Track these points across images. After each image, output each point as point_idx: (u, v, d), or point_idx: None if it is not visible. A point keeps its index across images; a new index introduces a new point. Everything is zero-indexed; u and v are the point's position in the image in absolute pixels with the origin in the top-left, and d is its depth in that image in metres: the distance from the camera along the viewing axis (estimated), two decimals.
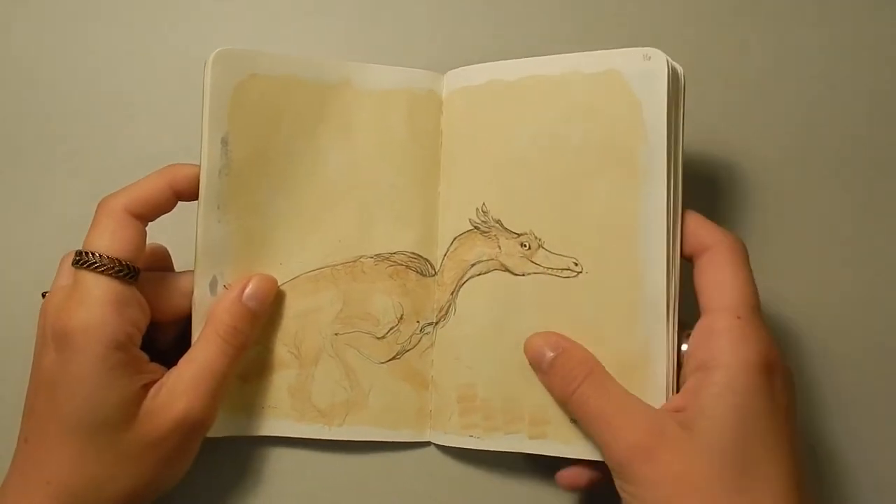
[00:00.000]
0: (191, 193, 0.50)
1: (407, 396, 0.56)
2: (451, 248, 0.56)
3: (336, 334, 0.56)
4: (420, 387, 0.56)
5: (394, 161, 0.56)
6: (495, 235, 0.54)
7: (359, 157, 0.56)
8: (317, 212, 0.56)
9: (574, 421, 0.52)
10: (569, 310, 0.52)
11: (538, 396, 0.52)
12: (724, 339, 0.46)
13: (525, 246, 0.53)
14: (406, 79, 0.57)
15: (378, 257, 0.56)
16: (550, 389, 0.51)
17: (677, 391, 0.50)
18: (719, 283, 0.48)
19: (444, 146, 0.56)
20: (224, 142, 0.51)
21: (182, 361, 0.50)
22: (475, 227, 0.55)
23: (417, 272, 0.56)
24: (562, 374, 0.49)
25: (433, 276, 0.56)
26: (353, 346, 0.56)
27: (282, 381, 0.56)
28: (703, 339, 0.47)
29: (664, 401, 0.49)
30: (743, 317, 0.47)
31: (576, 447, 0.51)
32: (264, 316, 0.55)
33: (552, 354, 0.50)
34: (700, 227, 0.50)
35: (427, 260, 0.56)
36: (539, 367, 0.51)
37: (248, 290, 0.54)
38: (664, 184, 0.50)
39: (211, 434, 0.52)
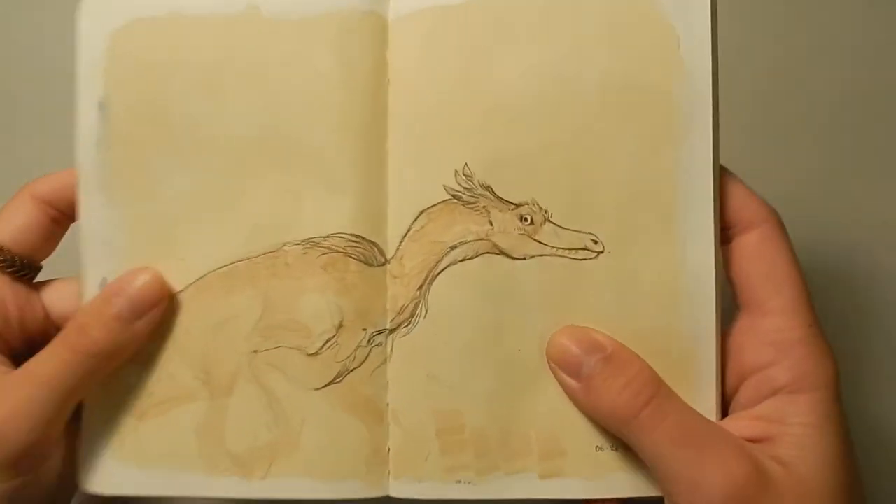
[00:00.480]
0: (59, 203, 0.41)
1: (354, 434, 0.40)
2: (416, 227, 0.40)
3: (255, 352, 0.39)
4: (372, 420, 0.40)
5: (322, 112, 0.40)
6: (484, 207, 0.40)
7: (275, 110, 0.40)
8: (225, 188, 0.40)
9: (601, 448, 0.39)
10: (586, 302, 0.39)
11: (549, 419, 0.39)
12: (807, 355, 0.38)
13: (526, 220, 0.40)
14: None
15: (307, 244, 0.40)
16: (593, 406, 0.38)
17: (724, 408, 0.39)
18: (776, 276, 0.39)
19: (394, 87, 0.41)
20: (102, 106, 0.40)
21: (13, 374, 0.38)
22: (454, 197, 0.40)
23: (360, 261, 0.40)
24: (617, 386, 0.37)
25: (383, 264, 0.40)
26: (277, 368, 0.39)
27: (186, 419, 0.40)
28: (763, 347, 0.38)
29: (716, 419, 0.39)
30: (813, 324, 0.38)
31: (608, 483, 0.39)
32: (145, 328, 0.38)
33: (598, 357, 0.37)
34: (746, 198, 0.40)
35: (373, 243, 0.40)
36: (574, 373, 0.38)
37: (116, 288, 0.39)
38: (710, 135, 0.39)
39: (94, 490, 0.39)
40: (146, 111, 0.39)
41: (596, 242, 0.39)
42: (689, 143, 0.39)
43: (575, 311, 0.40)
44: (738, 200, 0.40)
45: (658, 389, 0.37)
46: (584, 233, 0.39)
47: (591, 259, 0.39)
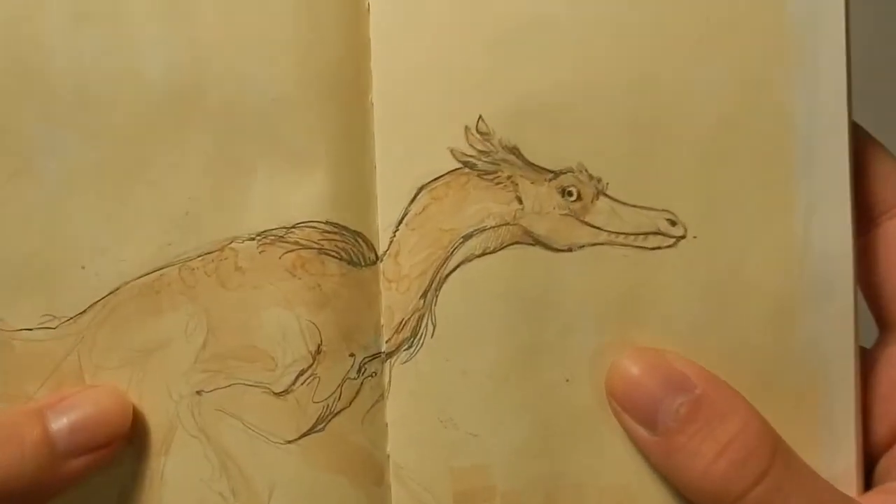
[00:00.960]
0: None
1: (344, 501, 0.28)
2: (415, 209, 0.28)
3: (198, 393, 0.28)
4: (367, 479, 0.29)
5: (275, 50, 0.28)
6: (510, 178, 0.28)
7: (203, 48, 0.28)
8: (136, 161, 0.28)
9: None
10: (660, 310, 0.27)
11: (616, 476, 0.28)
12: None
13: (570, 194, 0.28)
14: None
15: (263, 238, 0.28)
16: (676, 474, 0.26)
17: None
18: None
19: (376, 16, 0.28)
20: None
21: None
22: (466, 165, 0.28)
23: (341, 259, 0.28)
24: (712, 450, 0.25)
25: (373, 263, 0.28)
26: (231, 414, 0.28)
27: (107, 490, 0.29)
28: None
29: (855, 489, 0.28)
30: None
31: None
32: (80, 471, 0.27)
33: (682, 402, 0.25)
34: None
35: (358, 234, 0.28)
36: (647, 421, 0.27)
37: (64, 419, 0.27)
38: (841, 60, 0.26)
39: None
40: (4, 71, 0.28)
41: (674, 223, 0.27)
42: (810, 71, 0.26)
43: (644, 322, 0.28)
44: (885, 170, 0.27)
45: (773, 456, 0.25)
46: (655, 210, 0.27)
47: (666, 247, 0.27)
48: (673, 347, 0.28)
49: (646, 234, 0.27)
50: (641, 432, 0.26)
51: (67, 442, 0.26)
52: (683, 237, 0.27)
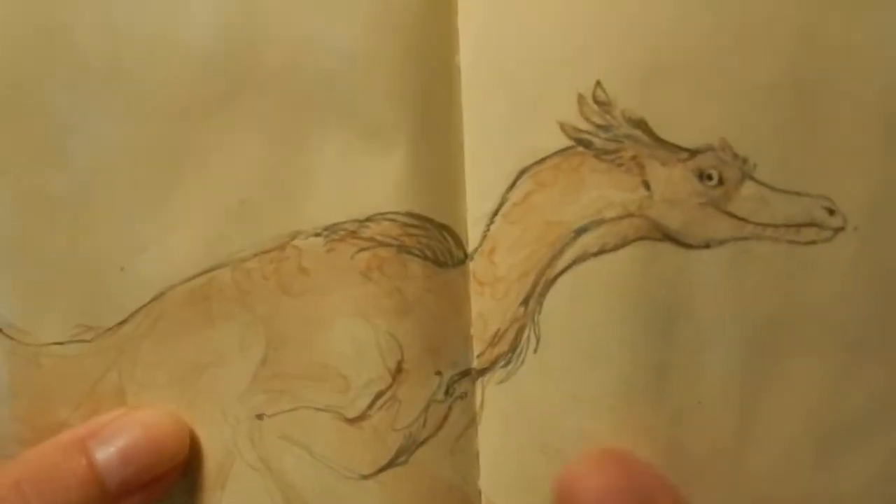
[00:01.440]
0: None
1: None
2: (515, 197, 0.23)
3: (259, 417, 0.23)
4: None
5: (338, 5, 0.22)
6: (634, 159, 0.22)
7: (249, 5, 0.23)
8: (182, 144, 0.24)
9: None
10: (813, 320, 0.22)
11: None
12: None
13: (710, 178, 0.22)
14: None
15: (331, 233, 0.23)
16: None
17: None
18: None
19: None
20: None
21: None
22: (579, 143, 0.22)
23: (425, 258, 0.23)
24: None
25: (462, 262, 0.23)
26: (297, 443, 0.23)
27: None
28: None
29: None
30: None
31: None
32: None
33: None
34: None
35: (444, 228, 0.23)
36: None
37: (111, 448, 0.23)
38: None
39: None
40: (26, 31, 0.23)
41: (832, 212, 0.21)
42: None
43: (796, 334, 0.22)
44: None
45: None
46: (810, 195, 0.22)
47: (822, 242, 0.22)
48: (832, 368, 0.22)
49: (799, 225, 0.22)
50: None
51: (118, 476, 0.22)
52: (843, 229, 0.22)
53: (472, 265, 0.24)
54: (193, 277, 0.23)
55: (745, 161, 0.22)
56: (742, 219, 0.22)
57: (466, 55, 0.23)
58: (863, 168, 0.22)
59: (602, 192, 0.23)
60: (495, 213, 0.23)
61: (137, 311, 0.23)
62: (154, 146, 0.23)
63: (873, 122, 0.21)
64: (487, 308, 0.24)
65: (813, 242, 0.22)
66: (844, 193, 0.22)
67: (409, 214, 0.23)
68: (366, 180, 0.23)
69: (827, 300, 0.22)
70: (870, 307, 0.22)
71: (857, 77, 0.21)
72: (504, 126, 0.23)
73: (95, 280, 0.23)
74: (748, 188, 0.22)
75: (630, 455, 0.22)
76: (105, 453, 0.22)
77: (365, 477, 0.23)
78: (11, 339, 0.23)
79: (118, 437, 0.22)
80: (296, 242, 0.23)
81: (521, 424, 0.23)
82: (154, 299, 0.23)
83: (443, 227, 0.24)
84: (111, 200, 0.23)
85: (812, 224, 0.22)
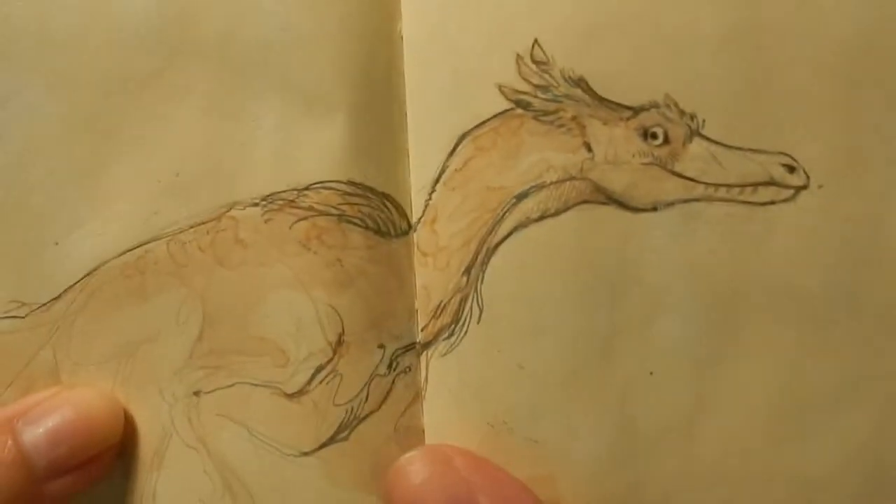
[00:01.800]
0: None
1: None
2: (455, 163, 0.21)
3: (196, 394, 0.22)
4: None
5: None
6: (575, 119, 0.20)
7: None
8: (117, 116, 0.22)
9: None
10: (773, 285, 0.20)
11: (710, 482, 0.20)
12: None
13: (655, 136, 0.20)
14: None
15: (269, 202, 0.21)
16: None
17: None
18: None
19: None
20: None
21: None
22: (518, 105, 0.20)
23: (367, 228, 0.21)
24: None
25: (405, 233, 0.21)
26: (235, 420, 0.21)
27: None
28: None
29: None
30: None
31: None
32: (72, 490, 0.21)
33: None
34: None
35: (386, 197, 0.21)
36: None
37: (39, 429, 0.21)
38: None
39: None
40: None
41: (792, 170, 0.19)
42: None
43: (754, 300, 0.20)
44: None
45: None
46: (767, 153, 0.19)
47: (782, 201, 0.19)
48: (794, 339, 0.20)
49: (755, 184, 0.20)
50: None
51: (46, 458, 0.20)
52: (805, 187, 0.19)
53: (415, 236, 0.22)
54: (127, 251, 0.21)
55: (692, 117, 0.20)
56: (691, 179, 0.20)
57: (409, 23, 0.21)
58: (826, 121, 0.20)
59: (542, 154, 0.21)
60: (436, 181, 0.21)
61: (71, 287, 0.22)
62: (88, 119, 0.22)
63: (834, 72, 0.19)
64: (431, 279, 0.22)
65: (772, 203, 0.20)
66: (806, 149, 0.20)
67: (350, 183, 0.21)
68: (305, 149, 0.21)
69: (789, 266, 0.20)
70: (837, 273, 0.20)
71: (810, 28, 0.19)
72: (446, 93, 0.21)
73: (29, 255, 0.22)
74: (697, 146, 0.20)
75: (461, 452, 0.21)
76: (32, 434, 0.20)
77: (305, 454, 0.22)
78: None
79: (47, 417, 0.20)
80: (232, 213, 0.22)
81: (467, 398, 0.21)
82: (88, 274, 0.22)
83: (385, 197, 0.22)
84: (45, 174, 0.22)
85: (770, 183, 0.20)
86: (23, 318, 0.22)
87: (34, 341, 0.22)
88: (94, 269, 0.22)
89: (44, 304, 0.22)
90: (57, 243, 0.22)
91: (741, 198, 0.20)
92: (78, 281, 0.22)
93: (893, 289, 0.20)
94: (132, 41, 0.21)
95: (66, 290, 0.22)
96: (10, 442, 0.20)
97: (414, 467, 0.20)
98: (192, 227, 0.22)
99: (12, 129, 0.22)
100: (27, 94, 0.21)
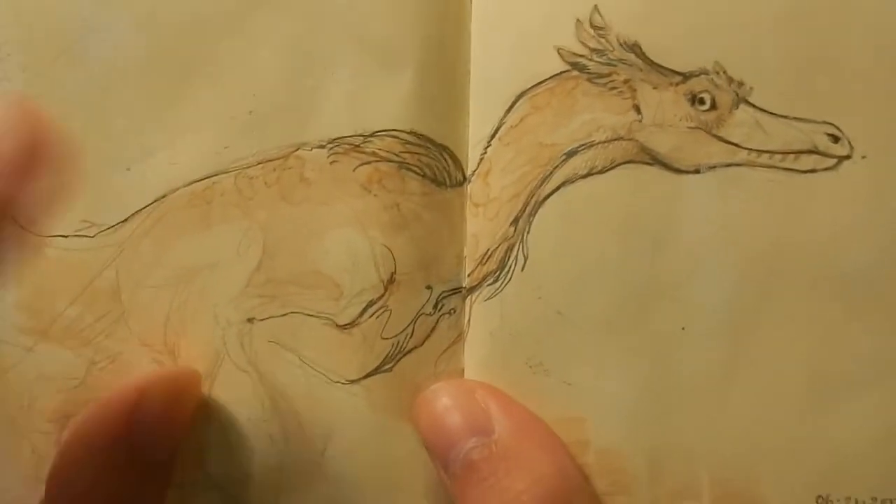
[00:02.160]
0: None
1: (414, 454, 0.21)
2: (511, 119, 0.21)
3: (250, 320, 0.22)
4: None
5: None
6: (627, 83, 0.20)
7: None
8: (196, 53, 0.22)
9: (827, 500, 0.19)
10: (813, 253, 0.19)
11: (734, 444, 0.20)
12: None
13: (702, 102, 0.20)
14: None
15: (336, 146, 0.21)
16: None
17: None
18: None
19: None
20: None
21: None
22: (574, 67, 0.20)
23: (425, 176, 0.21)
24: (498, 499, 0.20)
25: (461, 184, 0.21)
26: (286, 346, 0.21)
27: None
28: None
29: None
30: None
31: None
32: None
33: (475, 446, 0.20)
34: None
35: (445, 149, 0.21)
36: (440, 460, 0.21)
37: None
38: None
39: None
40: None
41: (837, 140, 0.19)
42: None
43: (793, 266, 0.20)
44: None
45: None
46: (812, 122, 0.19)
47: (824, 170, 0.19)
48: (833, 307, 0.20)
49: (798, 152, 0.20)
50: (441, 472, 0.20)
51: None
52: (848, 157, 0.20)
53: (469, 187, 0.22)
54: (196, 181, 0.21)
55: (740, 84, 0.20)
56: (735, 144, 0.20)
57: None
58: (873, 95, 0.20)
59: (593, 115, 0.21)
60: (492, 136, 0.22)
61: (139, 211, 0.22)
62: (169, 55, 0.22)
63: (884, 41, 0.19)
64: (480, 228, 0.22)
65: (813, 171, 0.20)
66: (852, 119, 0.20)
67: (413, 133, 0.22)
68: (373, 99, 0.22)
69: (828, 235, 0.20)
70: (879, 247, 0.20)
71: (870, 8, 0.19)
72: (509, 54, 0.22)
73: (101, 178, 0.22)
74: (742, 112, 0.20)
75: (482, 385, 0.21)
76: None
77: (351, 381, 0.22)
78: (22, 227, 0.21)
79: None
80: (299, 153, 0.22)
81: (506, 339, 0.21)
82: (157, 200, 0.22)
83: (443, 148, 0.22)
84: (123, 102, 0.22)
85: (813, 151, 0.20)
86: (91, 237, 0.22)
87: (100, 260, 0.22)
88: (163, 196, 0.22)
89: (112, 226, 0.22)
90: (129, 168, 0.22)
91: (783, 165, 0.20)
92: (146, 206, 0.22)
93: None
94: None
95: (133, 214, 0.22)
96: None
97: (438, 395, 0.21)
98: (259, 164, 0.22)
99: (97, 56, 0.22)
100: (114, 25, 0.22)
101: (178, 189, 0.22)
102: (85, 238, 0.22)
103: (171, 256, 0.22)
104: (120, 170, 0.22)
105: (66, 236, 0.22)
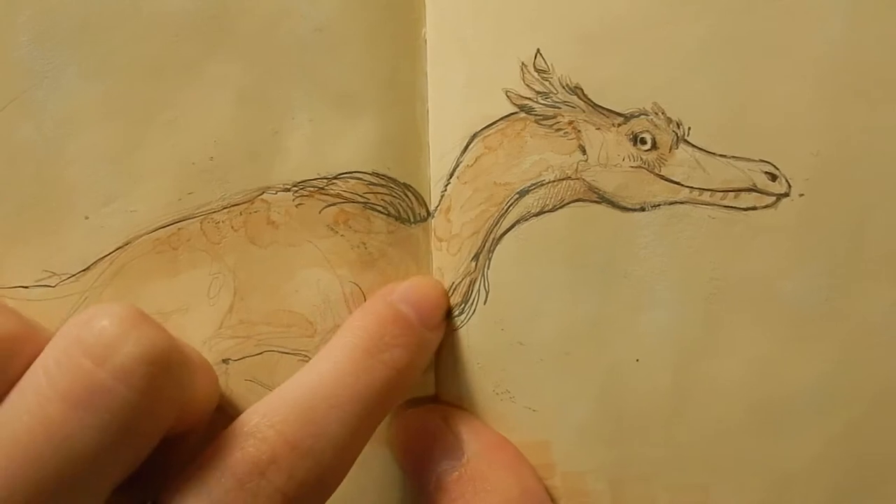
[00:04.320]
0: None
1: (391, 481, 0.18)
2: (467, 159, 0.18)
3: (225, 361, 0.19)
4: None
5: None
6: (571, 124, 0.18)
7: None
8: (154, 100, 0.18)
9: None
10: (754, 287, 0.18)
11: (692, 466, 0.18)
12: None
13: (644, 142, 0.18)
14: None
15: (301, 189, 0.18)
16: None
17: None
18: None
19: None
20: None
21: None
22: (522, 109, 0.18)
23: (389, 215, 0.18)
24: None
25: (424, 219, 0.18)
26: (263, 384, 0.18)
27: None
28: None
29: None
30: None
31: None
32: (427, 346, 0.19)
33: (447, 468, 0.18)
34: None
35: (407, 187, 0.18)
36: (419, 479, 0.19)
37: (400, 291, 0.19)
38: None
39: None
40: None
41: (774, 178, 0.18)
42: None
43: (735, 300, 0.18)
44: None
45: None
46: (750, 160, 0.18)
47: (763, 207, 0.18)
48: (772, 339, 0.18)
49: (737, 190, 0.18)
50: (418, 494, 0.19)
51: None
52: (786, 195, 0.18)
53: (432, 222, 0.19)
54: (160, 228, 0.18)
55: (678, 124, 0.18)
56: (677, 183, 0.18)
57: (432, 29, 0.18)
58: (808, 131, 0.18)
59: (542, 155, 0.18)
60: (451, 175, 0.19)
61: (101, 259, 0.18)
62: (123, 102, 0.18)
63: (816, 85, 0.18)
64: (445, 262, 0.19)
65: (753, 208, 0.18)
66: (789, 157, 0.18)
67: (375, 174, 0.19)
68: (335, 142, 0.19)
69: (769, 271, 0.19)
70: (816, 281, 0.18)
71: (797, 34, 0.17)
72: (462, 95, 0.19)
73: (61, 227, 0.18)
74: (682, 152, 0.18)
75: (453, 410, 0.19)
76: None
77: None
78: None
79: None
80: (264, 196, 0.18)
81: (474, 368, 0.19)
82: (119, 248, 0.18)
83: (406, 187, 0.19)
84: (78, 150, 0.18)
85: (752, 189, 0.18)
86: (53, 287, 0.18)
87: (63, 310, 0.18)
88: (125, 244, 0.18)
89: (73, 275, 0.18)
90: (87, 217, 0.18)
91: (724, 202, 0.18)
92: (108, 254, 0.18)
93: (868, 295, 0.18)
94: (171, 33, 0.18)
95: (95, 262, 0.18)
96: None
97: (413, 420, 0.19)
98: (224, 209, 0.19)
99: (47, 107, 0.18)
100: (64, 74, 0.18)
101: (141, 236, 0.18)
102: (47, 288, 0.18)
103: (137, 303, 0.18)
104: (78, 218, 0.18)
105: (26, 287, 0.18)
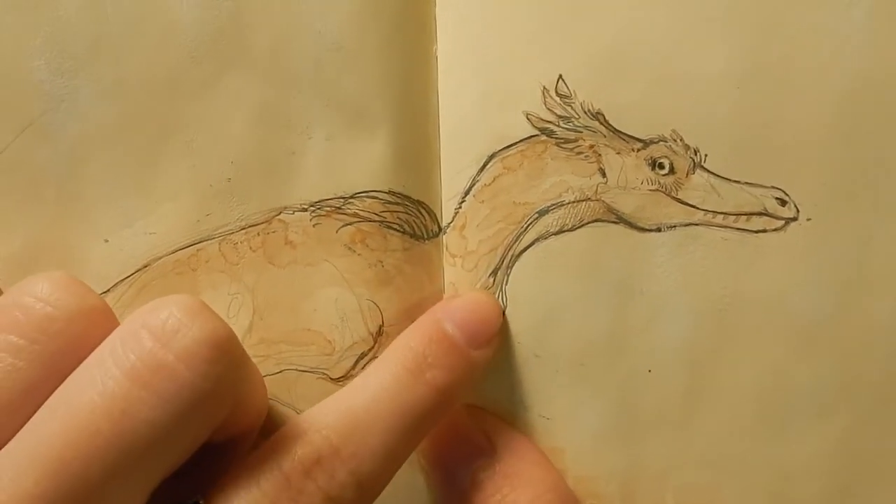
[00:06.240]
0: None
1: (410, 493, 0.17)
2: (484, 178, 0.16)
3: None
4: None
5: None
6: (592, 147, 0.16)
7: None
8: (169, 121, 0.16)
9: None
10: (762, 306, 0.16)
11: (698, 472, 0.17)
12: None
13: (661, 167, 0.16)
14: None
15: (318, 209, 0.16)
16: None
17: None
18: None
19: None
20: None
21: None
22: (543, 132, 0.16)
23: (404, 232, 0.16)
24: None
25: (435, 236, 0.16)
26: (283, 402, 0.17)
27: None
28: None
29: None
30: None
31: None
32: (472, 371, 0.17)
33: (478, 467, 0.17)
34: None
35: (421, 205, 0.16)
36: (447, 481, 0.17)
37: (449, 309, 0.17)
38: None
39: None
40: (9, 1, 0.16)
41: (784, 203, 0.16)
42: None
43: (745, 317, 0.17)
44: None
45: None
46: (762, 186, 0.16)
47: (773, 230, 0.16)
48: (780, 350, 0.17)
49: (749, 214, 0.16)
50: (446, 495, 0.17)
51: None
52: (795, 219, 0.16)
53: (444, 238, 0.17)
54: (179, 250, 0.16)
55: (695, 151, 0.16)
56: (692, 206, 0.17)
57: (444, 46, 0.16)
58: (818, 159, 0.16)
59: (562, 177, 0.17)
60: (467, 193, 0.17)
61: (120, 282, 0.16)
62: (139, 123, 0.16)
63: (830, 113, 0.16)
64: (458, 277, 0.17)
65: (763, 231, 0.16)
66: (798, 184, 0.17)
67: (391, 193, 0.17)
68: (350, 161, 0.17)
69: (777, 289, 0.17)
70: (821, 299, 0.17)
71: (813, 67, 0.15)
72: (476, 113, 0.17)
73: (80, 251, 0.16)
74: (698, 177, 0.16)
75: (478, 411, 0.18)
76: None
77: None
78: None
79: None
80: (282, 217, 0.17)
81: (491, 380, 0.18)
82: (138, 270, 0.16)
83: (420, 204, 0.17)
84: (96, 173, 0.16)
85: (763, 213, 0.16)
86: None
87: None
88: (145, 266, 0.16)
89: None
90: (107, 240, 0.16)
91: (736, 225, 0.17)
92: (128, 276, 0.16)
93: (869, 312, 0.17)
94: (185, 52, 0.16)
95: (115, 285, 0.17)
96: None
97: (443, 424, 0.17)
98: (242, 230, 0.17)
99: (64, 130, 0.16)
100: (80, 95, 0.16)
101: (161, 257, 0.16)
102: None
103: None
104: (98, 241, 0.16)
105: None
